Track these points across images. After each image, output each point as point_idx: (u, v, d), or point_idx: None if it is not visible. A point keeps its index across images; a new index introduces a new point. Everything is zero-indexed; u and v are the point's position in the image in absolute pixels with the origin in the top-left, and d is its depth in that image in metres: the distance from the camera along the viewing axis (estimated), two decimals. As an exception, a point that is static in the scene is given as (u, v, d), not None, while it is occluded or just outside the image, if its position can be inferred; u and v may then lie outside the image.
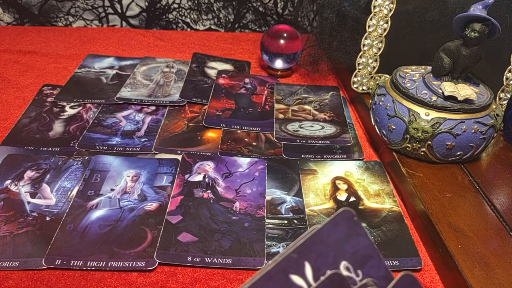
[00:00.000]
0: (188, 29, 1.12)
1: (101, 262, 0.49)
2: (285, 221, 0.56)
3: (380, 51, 0.76)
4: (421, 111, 0.60)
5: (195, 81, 0.86)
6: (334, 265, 0.26)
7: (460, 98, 0.58)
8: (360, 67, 0.78)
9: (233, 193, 0.60)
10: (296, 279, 0.25)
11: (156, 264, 0.49)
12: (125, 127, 0.72)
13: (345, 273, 0.26)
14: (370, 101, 0.70)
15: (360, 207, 0.58)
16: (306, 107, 0.81)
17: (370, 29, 0.75)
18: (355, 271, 0.27)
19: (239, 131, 0.73)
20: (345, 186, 0.62)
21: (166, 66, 0.91)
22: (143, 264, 0.49)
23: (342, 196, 0.60)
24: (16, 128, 0.69)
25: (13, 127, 0.70)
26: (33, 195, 0.57)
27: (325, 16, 0.83)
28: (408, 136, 0.61)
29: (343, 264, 0.26)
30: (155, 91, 0.81)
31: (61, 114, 0.74)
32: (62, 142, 0.67)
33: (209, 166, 0.64)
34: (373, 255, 0.28)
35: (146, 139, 0.69)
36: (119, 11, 1.07)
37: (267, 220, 0.56)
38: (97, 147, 0.66)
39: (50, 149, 0.66)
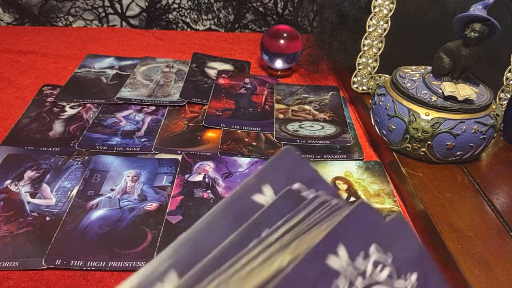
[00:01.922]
0: (188, 29, 1.12)
1: (101, 262, 0.49)
2: (285, 221, 0.55)
3: (380, 51, 0.76)
4: (421, 111, 0.60)
5: (195, 81, 0.86)
6: (288, 186, 0.30)
7: (460, 98, 0.58)
8: (360, 67, 0.78)
9: (233, 193, 0.59)
10: (258, 197, 0.28)
11: (156, 264, 0.49)
12: (125, 127, 0.72)
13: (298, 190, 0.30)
14: (370, 101, 0.70)
15: (360, 207, 0.58)
16: (306, 107, 0.81)
17: (370, 29, 0.75)
18: (306, 190, 0.30)
19: (239, 131, 0.73)
20: (345, 186, 0.62)
21: (166, 66, 0.91)
22: (143, 264, 0.49)
23: (342, 196, 0.60)
24: (16, 128, 0.69)
25: (13, 127, 0.70)
26: (33, 195, 0.57)
27: (325, 16, 0.83)
28: (408, 136, 0.61)
29: (296, 185, 0.30)
30: (155, 91, 0.81)
31: (61, 114, 0.74)
32: (62, 142, 0.67)
33: (209, 166, 0.64)
34: (319, 178, 0.31)
35: (146, 139, 0.69)
36: (119, 11, 1.07)
37: (267, 220, 0.55)
38: (97, 147, 0.66)
39: (50, 149, 0.66)
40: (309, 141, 0.71)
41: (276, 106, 0.80)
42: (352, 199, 0.60)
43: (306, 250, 0.24)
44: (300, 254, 0.24)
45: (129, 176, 0.61)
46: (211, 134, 0.72)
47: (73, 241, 0.51)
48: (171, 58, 0.95)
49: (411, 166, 0.62)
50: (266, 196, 0.28)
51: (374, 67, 0.78)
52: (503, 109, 0.71)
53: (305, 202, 0.29)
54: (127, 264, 0.49)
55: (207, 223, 0.28)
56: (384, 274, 0.27)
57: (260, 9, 1.11)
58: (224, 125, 0.73)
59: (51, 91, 0.80)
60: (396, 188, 0.62)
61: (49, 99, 0.77)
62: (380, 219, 0.28)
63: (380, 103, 0.65)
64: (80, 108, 0.76)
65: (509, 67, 0.71)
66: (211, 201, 0.58)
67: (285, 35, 0.87)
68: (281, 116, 0.77)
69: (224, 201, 0.28)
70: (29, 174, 0.60)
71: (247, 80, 0.88)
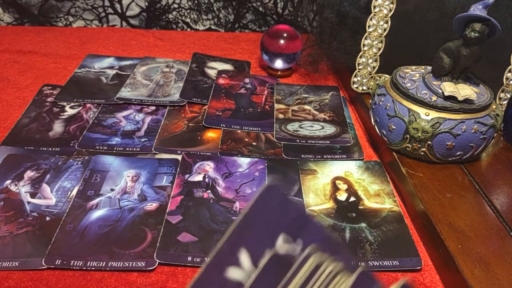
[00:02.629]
0: (188, 29, 1.12)
1: (101, 262, 0.49)
2: (285, 221, 0.55)
3: (380, 51, 0.76)
4: (421, 111, 0.60)
5: (195, 81, 0.86)
6: (272, 241, 0.25)
7: (460, 98, 0.58)
8: (360, 67, 0.78)
9: (233, 193, 0.60)
10: (232, 272, 0.24)
11: (156, 264, 0.49)
12: (125, 127, 0.72)
13: (285, 245, 0.25)
14: (370, 101, 0.70)
15: (360, 207, 0.58)
16: (306, 107, 0.81)
17: (370, 29, 0.75)
18: (294, 241, 0.26)
19: (239, 131, 0.73)
20: (345, 186, 0.62)
21: (166, 66, 0.91)
22: (143, 264, 0.49)
23: (342, 196, 0.60)
24: (16, 128, 0.69)
25: (13, 127, 0.70)
26: (33, 195, 0.57)
27: (325, 16, 0.83)
28: (408, 136, 0.61)
29: (282, 236, 0.25)
30: (155, 91, 0.81)
31: (61, 114, 0.74)
32: (62, 142, 0.67)
33: (209, 166, 0.64)
34: (309, 220, 0.27)
35: (146, 139, 0.69)
36: (119, 11, 1.07)
37: (267, 220, 0.55)
38: (97, 147, 0.66)
39: (50, 149, 0.66)
40: (309, 141, 0.71)
41: (276, 106, 0.80)
42: (352, 199, 0.60)
43: None
44: None
45: (129, 176, 0.61)
46: (211, 134, 0.72)
47: (73, 241, 0.51)
48: (171, 58, 0.95)
49: (411, 166, 0.62)
50: (243, 268, 0.23)
51: (374, 67, 0.78)
52: (503, 109, 0.71)
53: (295, 267, 0.24)
54: (127, 264, 0.49)
55: None
56: None
57: (260, 9, 1.11)
58: (224, 125, 0.73)
59: (51, 91, 0.80)
60: (396, 188, 0.62)
61: (49, 99, 0.77)
62: None
63: (380, 103, 0.65)
64: (80, 108, 0.76)
65: (509, 67, 0.71)
66: (211, 201, 0.58)
67: (285, 35, 0.87)
68: (281, 116, 0.77)
69: (195, 278, 0.23)
70: (29, 174, 0.60)
71: (247, 80, 0.88)
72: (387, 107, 0.63)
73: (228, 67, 0.94)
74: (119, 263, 0.49)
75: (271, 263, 0.24)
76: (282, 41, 0.87)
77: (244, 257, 0.24)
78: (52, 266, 0.48)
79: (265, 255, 0.24)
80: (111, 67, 0.89)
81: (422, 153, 0.61)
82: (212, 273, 0.23)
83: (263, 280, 0.24)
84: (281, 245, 0.25)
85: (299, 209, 0.27)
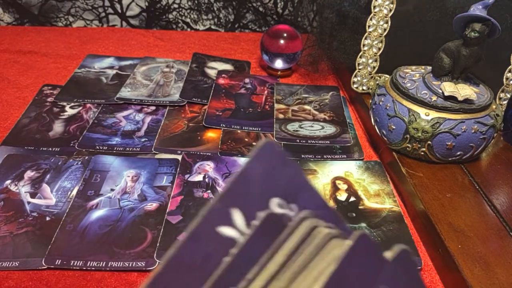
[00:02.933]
0: (188, 29, 1.12)
1: (101, 262, 0.49)
2: (285, 221, 0.55)
3: (380, 51, 0.76)
4: (421, 111, 0.60)
5: (195, 81, 0.86)
6: (264, 205, 0.23)
7: (460, 98, 0.58)
8: (360, 67, 0.78)
9: (233, 193, 0.59)
10: (225, 230, 0.22)
11: (156, 264, 0.49)
12: (125, 127, 0.72)
13: (278, 210, 0.23)
14: (370, 101, 0.70)
15: (360, 207, 0.58)
16: (306, 107, 0.81)
17: (370, 29, 0.75)
18: (288, 206, 0.24)
19: (239, 131, 0.73)
20: (345, 186, 0.62)
21: (166, 66, 0.91)
22: (143, 264, 0.49)
23: (342, 196, 0.60)
24: (16, 128, 0.69)
25: (13, 127, 0.70)
26: (33, 195, 0.57)
27: (325, 16, 0.83)
28: (408, 136, 0.61)
29: (274, 201, 0.23)
30: (155, 91, 0.81)
31: (61, 114, 0.74)
32: (62, 142, 0.67)
33: (209, 166, 0.64)
34: (305, 184, 0.24)
35: (146, 139, 0.69)
36: (119, 11, 1.07)
37: (267, 220, 0.55)
38: (97, 147, 0.66)
39: (50, 149, 0.66)
40: (309, 141, 0.71)
41: (276, 106, 0.80)
42: (352, 199, 0.60)
43: None
44: None
45: (129, 176, 0.61)
46: (211, 134, 0.72)
47: (73, 241, 0.51)
48: (171, 58, 0.95)
49: (411, 166, 0.62)
50: (236, 227, 0.22)
51: (374, 67, 0.78)
52: (503, 109, 0.71)
53: (290, 228, 0.22)
54: (127, 264, 0.49)
55: (166, 274, 0.21)
56: None
57: (260, 9, 1.11)
58: (224, 125, 0.73)
59: (51, 91, 0.80)
60: (396, 188, 0.62)
61: (49, 99, 0.77)
62: (380, 259, 0.22)
63: (380, 103, 0.65)
64: (80, 108, 0.76)
65: (509, 67, 0.71)
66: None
67: (285, 35, 0.87)
68: (281, 116, 0.77)
69: (186, 236, 0.21)
70: (29, 174, 0.60)
71: (247, 80, 0.88)
72: (387, 107, 0.63)
73: (228, 67, 0.94)
74: (119, 263, 0.49)
75: (267, 222, 0.22)
76: (282, 41, 0.87)
77: (238, 217, 0.22)
78: (52, 266, 0.48)
79: (258, 216, 0.23)
80: (111, 67, 0.89)
81: (422, 153, 0.61)
82: (203, 232, 0.21)
83: (258, 238, 0.22)
84: (275, 209, 0.23)
85: (296, 172, 0.24)
